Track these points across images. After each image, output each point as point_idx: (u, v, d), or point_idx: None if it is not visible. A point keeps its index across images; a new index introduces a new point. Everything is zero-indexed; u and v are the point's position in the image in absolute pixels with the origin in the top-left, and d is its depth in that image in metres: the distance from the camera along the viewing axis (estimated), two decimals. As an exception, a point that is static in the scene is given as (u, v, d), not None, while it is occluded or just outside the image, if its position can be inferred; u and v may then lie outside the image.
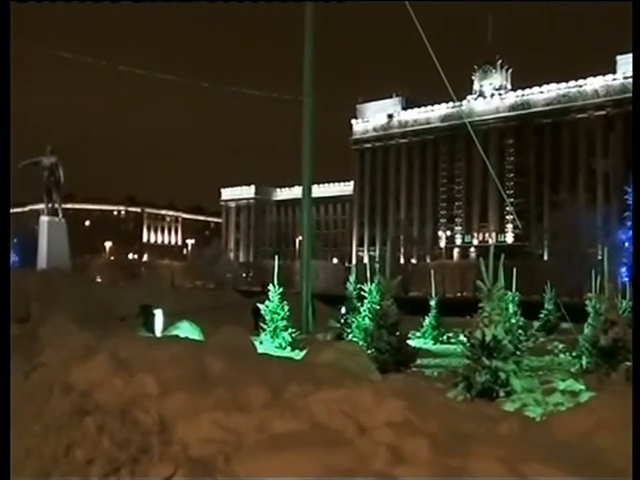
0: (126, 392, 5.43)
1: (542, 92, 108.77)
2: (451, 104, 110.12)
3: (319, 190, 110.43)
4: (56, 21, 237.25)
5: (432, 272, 25.56)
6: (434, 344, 19.17)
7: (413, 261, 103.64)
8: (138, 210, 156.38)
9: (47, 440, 5.02)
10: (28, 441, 5.22)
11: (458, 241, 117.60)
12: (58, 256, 31.14)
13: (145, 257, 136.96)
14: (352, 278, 21.23)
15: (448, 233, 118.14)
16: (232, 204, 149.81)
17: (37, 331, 11.64)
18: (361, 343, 13.18)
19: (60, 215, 32.80)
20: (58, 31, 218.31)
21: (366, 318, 15.98)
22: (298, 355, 12.80)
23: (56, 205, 32.97)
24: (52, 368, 7.26)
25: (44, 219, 32.48)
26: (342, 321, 20.03)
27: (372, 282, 17.24)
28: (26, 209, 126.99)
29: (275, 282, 16.81)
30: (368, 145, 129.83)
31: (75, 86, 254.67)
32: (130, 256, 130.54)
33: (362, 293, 18.01)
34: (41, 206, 35.71)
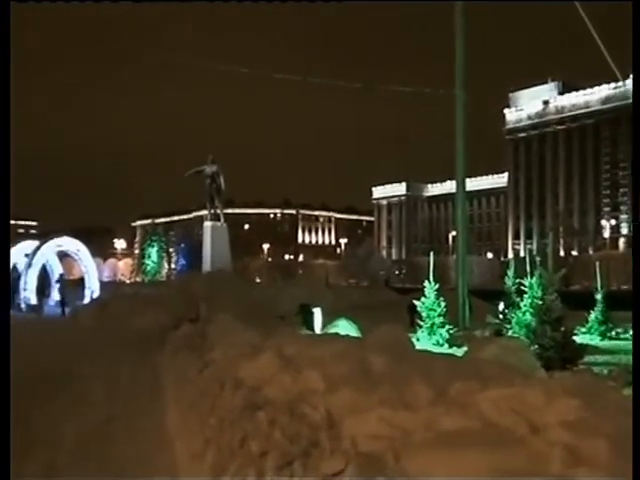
0: (293, 388, 5.61)
1: None
2: (613, 85, 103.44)
3: (472, 184, 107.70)
4: (208, 35, 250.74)
5: (597, 264, 24.15)
6: (601, 340, 18.08)
7: (574, 253, 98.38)
8: (293, 212, 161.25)
9: (223, 432, 5.31)
10: (206, 433, 5.57)
11: (624, 230, 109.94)
12: (221, 259, 32.83)
13: (301, 257, 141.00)
14: (511, 272, 20.51)
15: (612, 222, 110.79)
16: (384, 202, 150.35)
17: (206, 330, 12.39)
18: (522, 339, 12.72)
19: (222, 220, 34.52)
20: (216, 45, 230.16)
21: (527, 313, 15.42)
22: (457, 352, 12.59)
23: (218, 211, 34.74)
24: (223, 365, 7.68)
25: (207, 224, 34.36)
26: (501, 317, 19.42)
27: (532, 276, 16.59)
28: (191, 216, 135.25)
29: (431, 278, 16.64)
30: (522, 134, 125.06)
31: (230, 95, 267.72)
32: (286, 257, 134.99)
33: (522, 288, 17.38)
34: (204, 212, 37.86)
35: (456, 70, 20.32)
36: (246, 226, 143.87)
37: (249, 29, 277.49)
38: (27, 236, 70.90)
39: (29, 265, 30.98)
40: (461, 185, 21.66)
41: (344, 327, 14.89)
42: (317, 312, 16.76)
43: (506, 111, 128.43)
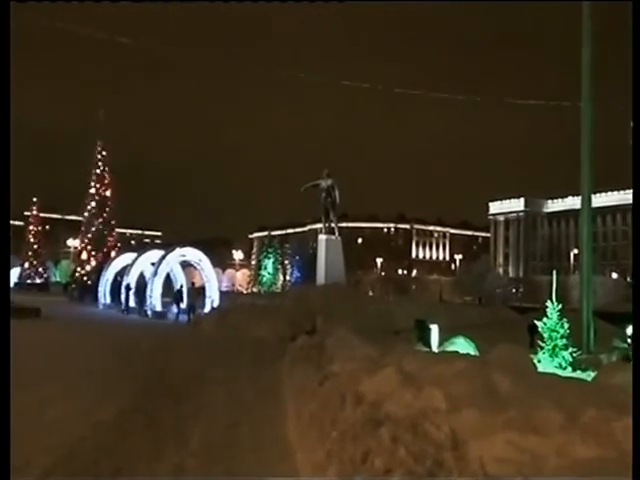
0: (415, 405, 5.59)
1: None
2: None
3: (596, 200, 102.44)
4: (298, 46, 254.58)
5: None
6: None
7: None
8: (407, 227, 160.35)
9: (344, 446, 5.36)
10: (328, 445, 5.63)
11: None
12: (335, 272, 33.07)
13: (414, 272, 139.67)
14: (641, 295, 19.37)
15: None
16: (500, 218, 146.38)
17: (324, 343, 12.54)
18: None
19: (336, 233, 34.82)
20: (313, 56, 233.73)
21: (660, 339, 14.52)
22: (582, 376, 12.06)
23: (332, 224, 35.05)
24: (343, 378, 7.75)
25: (322, 237, 34.76)
26: (629, 341, 18.38)
27: (666, 299, 15.61)
28: (306, 229, 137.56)
29: (553, 298, 16.03)
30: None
31: (345, 109, 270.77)
32: (400, 271, 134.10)
33: (653, 311, 16.39)
34: (319, 225, 38.34)
35: (582, 81, 19.46)
36: (360, 240, 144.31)
37: (368, 43, 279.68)
38: (152, 246, 74.69)
39: (155, 273, 32.58)
40: (587, 201, 20.71)
41: (462, 345, 14.62)
42: (434, 329, 16.55)
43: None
